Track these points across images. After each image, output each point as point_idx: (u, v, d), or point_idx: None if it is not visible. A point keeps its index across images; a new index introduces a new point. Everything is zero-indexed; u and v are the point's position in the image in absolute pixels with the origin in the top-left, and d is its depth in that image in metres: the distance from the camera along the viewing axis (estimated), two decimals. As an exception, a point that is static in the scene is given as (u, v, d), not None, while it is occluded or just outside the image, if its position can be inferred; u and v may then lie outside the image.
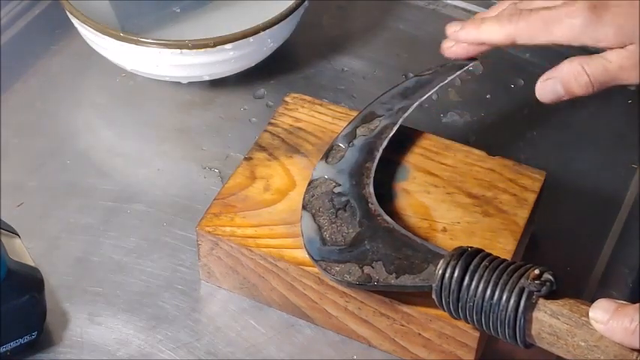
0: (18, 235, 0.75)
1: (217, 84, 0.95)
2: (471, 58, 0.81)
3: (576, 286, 0.78)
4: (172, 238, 0.81)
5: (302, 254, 0.72)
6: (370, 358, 0.74)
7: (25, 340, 0.72)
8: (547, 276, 0.64)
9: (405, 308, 0.70)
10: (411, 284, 0.68)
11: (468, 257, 0.66)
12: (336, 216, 0.74)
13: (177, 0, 1.00)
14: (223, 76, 0.93)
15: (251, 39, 0.89)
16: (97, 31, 0.89)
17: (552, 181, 0.79)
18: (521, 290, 0.64)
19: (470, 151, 0.80)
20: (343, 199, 0.75)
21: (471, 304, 0.65)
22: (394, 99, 0.81)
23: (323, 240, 0.72)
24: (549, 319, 0.64)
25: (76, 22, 0.91)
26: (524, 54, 0.98)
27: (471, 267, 0.66)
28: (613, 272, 0.80)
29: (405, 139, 0.80)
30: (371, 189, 0.75)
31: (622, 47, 0.72)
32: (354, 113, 0.82)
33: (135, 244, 0.81)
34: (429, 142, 0.80)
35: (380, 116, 0.80)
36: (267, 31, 0.89)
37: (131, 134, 0.91)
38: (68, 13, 0.91)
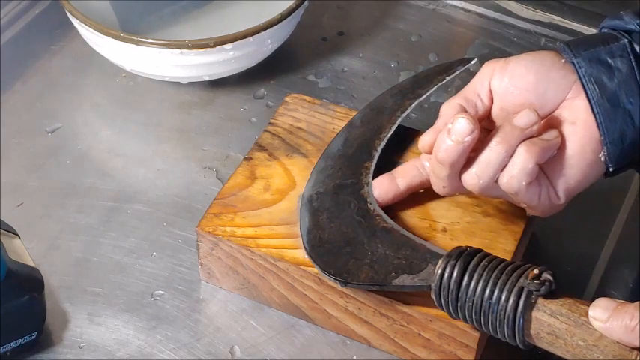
0: (18, 235, 0.75)
1: (217, 84, 0.95)
2: (470, 58, 0.81)
3: (576, 286, 0.78)
4: (172, 238, 0.81)
5: (302, 254, 0.72)
6: (370, 358, 0.74)
7: (25, 341, 0.72)
8: (546, 275, 0.64)
9: (405, 308, 0.70)
10: (410, 284, 0.68)
11: (467, 257, 0.66)
12: (336, 216, 0.74)
13: (178, 0, 1.00)
14: (223, 76, 0.93)
15: (251, 39, 0.89)
16: (97, 31, 0.89)
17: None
18: (520, 290, 0.64)
19: (469, 151, 0.79)
20: (342, 199, 0.75)
21: (470, 303, 0.65)
22: (393, 98, 0.81)
23: (322, 240, 0.72)
24: (548, 319, 0.64)
25: (76, 22, 0.91)
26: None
27: (470, 266, 0.66)
28: (613, 272, 0.80)
29: (404, 139, 0.80)
30: (370, 189, 0.75)
31: None
32: (354, 113, 0.82)
33: (135, 244, 0.81)
34: (428, 142, 0.80)
35: (379, 116, 0.80)
36: (267, 31, 0.89)
37: (131, 134, 0.91)
38: (68, 13, 0.91)
